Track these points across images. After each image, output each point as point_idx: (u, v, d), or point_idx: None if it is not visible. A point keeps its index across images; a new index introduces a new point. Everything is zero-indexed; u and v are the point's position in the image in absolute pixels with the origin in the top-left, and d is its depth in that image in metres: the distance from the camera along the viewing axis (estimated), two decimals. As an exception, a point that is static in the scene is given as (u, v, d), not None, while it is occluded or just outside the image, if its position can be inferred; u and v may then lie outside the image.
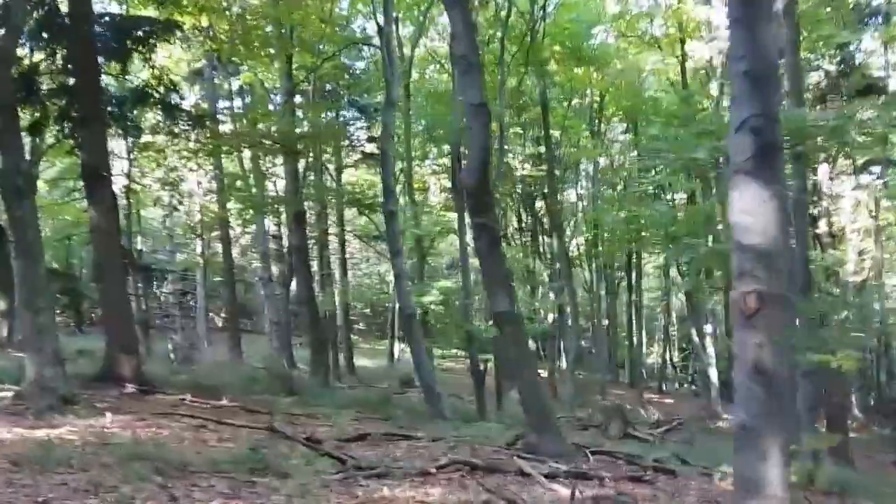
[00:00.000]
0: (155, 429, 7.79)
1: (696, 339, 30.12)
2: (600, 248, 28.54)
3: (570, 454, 7.99)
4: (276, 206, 18.04)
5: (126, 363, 10.90)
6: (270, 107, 19.79)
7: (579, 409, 17.87)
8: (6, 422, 7.49)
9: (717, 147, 9.90)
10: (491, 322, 15.33)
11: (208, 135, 12.66)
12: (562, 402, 19.90)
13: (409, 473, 6.19)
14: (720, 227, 17.50)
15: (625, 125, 31.67)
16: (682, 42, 19.96)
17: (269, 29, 14.39)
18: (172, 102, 11.66)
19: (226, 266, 25.05)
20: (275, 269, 33.83)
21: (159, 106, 11.53)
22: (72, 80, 11.90)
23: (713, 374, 27.17)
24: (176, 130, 12.19)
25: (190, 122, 12.01)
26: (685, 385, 37.15)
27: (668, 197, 29.68)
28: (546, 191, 21.74)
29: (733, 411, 3.83)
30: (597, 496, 5.89)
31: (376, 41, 18.21)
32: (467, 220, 12.75)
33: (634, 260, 30.04)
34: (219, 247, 33.65)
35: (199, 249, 31.61)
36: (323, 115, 14.88)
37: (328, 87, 18.90)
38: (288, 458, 6.53)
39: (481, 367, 13.19)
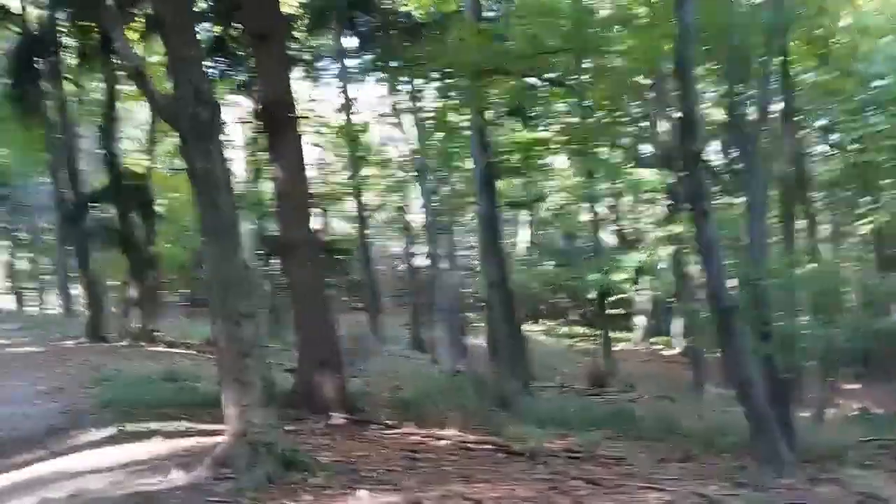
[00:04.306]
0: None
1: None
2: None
3: None
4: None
5: (329, 383, 7.67)
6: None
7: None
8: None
9: None
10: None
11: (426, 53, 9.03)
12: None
13: None
14: None
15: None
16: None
17: None
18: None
19: (359, 239, 21.92)
20: (399, 247, 30.80)
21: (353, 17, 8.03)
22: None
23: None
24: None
25: (407, 33, 8.36)
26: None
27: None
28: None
29: None
30: None
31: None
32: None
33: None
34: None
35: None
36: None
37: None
38: None
39: (787, 383, 9.36)
